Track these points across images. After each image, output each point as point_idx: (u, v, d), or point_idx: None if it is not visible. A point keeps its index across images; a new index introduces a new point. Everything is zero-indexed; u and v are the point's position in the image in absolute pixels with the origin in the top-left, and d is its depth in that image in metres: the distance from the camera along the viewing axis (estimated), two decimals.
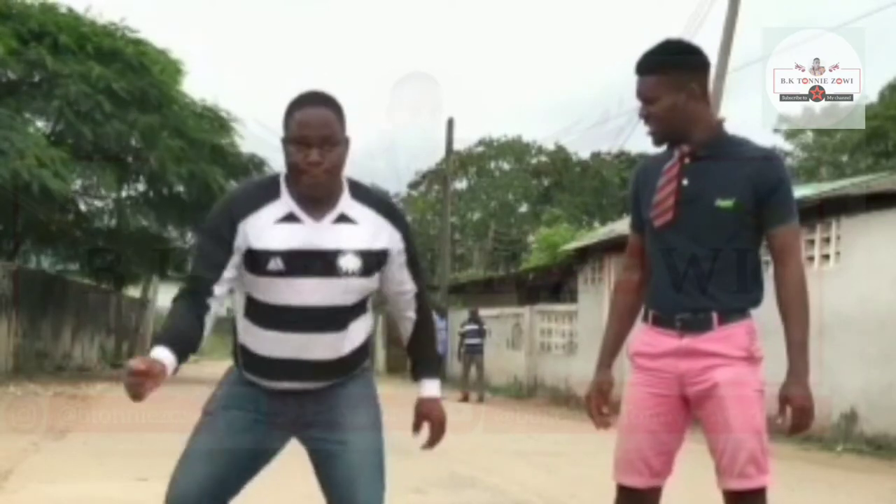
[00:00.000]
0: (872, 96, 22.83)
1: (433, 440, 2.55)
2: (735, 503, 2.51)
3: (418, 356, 2.58)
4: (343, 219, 2.35)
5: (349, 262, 2.33)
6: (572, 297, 16.52)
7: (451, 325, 20.12)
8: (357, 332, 2.45)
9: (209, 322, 2.30)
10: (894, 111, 22.90)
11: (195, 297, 2.30)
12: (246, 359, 2.45)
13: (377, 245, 2.37)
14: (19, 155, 13.88)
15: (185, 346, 2.21)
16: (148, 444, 6.48)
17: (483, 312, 18.01)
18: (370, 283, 2.40)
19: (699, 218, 2.50)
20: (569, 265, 17.14)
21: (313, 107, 2.30)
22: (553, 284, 18.71)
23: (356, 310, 2.43)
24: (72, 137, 16.05)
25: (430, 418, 2.53)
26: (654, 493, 2.63)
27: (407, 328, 2.57)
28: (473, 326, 17.04)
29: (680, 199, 2.52)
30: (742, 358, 2.50)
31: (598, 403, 2.71)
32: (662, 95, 2.53)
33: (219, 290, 2.30)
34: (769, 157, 2.58)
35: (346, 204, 2.36)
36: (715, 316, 2.50)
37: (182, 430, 2.55)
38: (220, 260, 2.30)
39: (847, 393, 9.20)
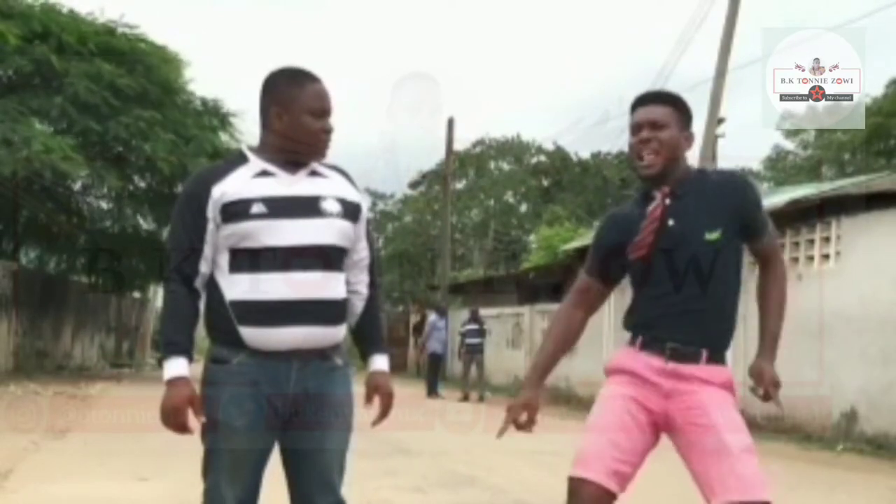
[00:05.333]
0: (876, 94, 22.82)
1: (384, 412, 2.62)
2: None
3: (368, 334, 2.62)
4: (315, 174, 2.50)
5: (330, 205, 2.45)
6: None
7: (452, 325, 20.11)
8: (341, 284, 2.50)
9: (200, 306, 2.43)
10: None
11: (188, 282, 2.40)
12: (247, 314, 2.37)
13: (351, 197, 2.51)
14: (26, 144, 13.88)
15: (193, 346, 2.40)
16: (148, 444, 6.48)
17: (483, 312, 17.99)
18: (352, 230, 2.49)
19: (689, 255, 2.53)
20: (569, 265, 17.13)
21: (319, 81, 2.48)
22: (553, 284, 18.69)
23: (341, 262, 2.49)
24: (77, 135, 16.04)
25: (380, 391, 2.60)
26: (610, 498, 2.53)
27: (357, 306, 2.59)
28: (474, 326, 17.01)
29: (663, 236, 2.55)
30: (724, 386, 2.57)
31: (518, 417, 2.72)
32: (671, 125, 2.59)
33: (204, 266, 2.41)
34: (743, 182, 2.66)
35: (314, 165, 2.51)
36: (704, 354, 2.55)
37: None
38: (200, 227, 2.39)
39: (847, 392, 9.21)
